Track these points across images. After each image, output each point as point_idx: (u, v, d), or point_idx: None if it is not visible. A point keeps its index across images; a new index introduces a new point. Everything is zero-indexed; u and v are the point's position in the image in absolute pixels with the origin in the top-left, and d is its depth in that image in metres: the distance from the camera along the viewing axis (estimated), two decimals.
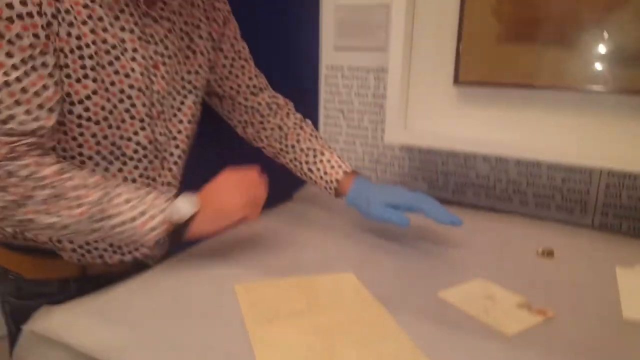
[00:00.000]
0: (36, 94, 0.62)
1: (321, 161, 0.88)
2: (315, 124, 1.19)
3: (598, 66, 0.87)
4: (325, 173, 0.87)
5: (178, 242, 0.69)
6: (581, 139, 0.92)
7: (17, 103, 0.61)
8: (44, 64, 0.62)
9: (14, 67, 0.60)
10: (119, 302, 0.62)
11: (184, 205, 0.66)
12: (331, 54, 1.15)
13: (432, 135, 1.03)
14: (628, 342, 0.55)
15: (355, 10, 1.09)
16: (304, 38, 1.17)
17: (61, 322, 0.57)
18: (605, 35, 0.85)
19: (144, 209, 0.65)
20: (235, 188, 0.70)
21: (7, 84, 0.59)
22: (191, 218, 0.66)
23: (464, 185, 1.08)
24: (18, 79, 0.60)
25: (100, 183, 0.65)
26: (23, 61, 0.60)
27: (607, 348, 0.53)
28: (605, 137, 0.90)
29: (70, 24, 0.64)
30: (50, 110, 0.63)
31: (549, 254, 0.76)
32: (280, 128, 0.92)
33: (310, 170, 0.89)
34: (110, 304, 0.61)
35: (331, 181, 0.87)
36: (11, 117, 0.60)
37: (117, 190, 0.65)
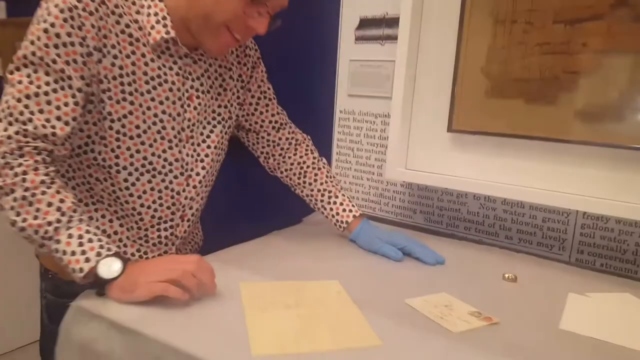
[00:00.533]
0: (57, 107, 0.74)
1: (335, 203, 1.04)
2: (329, 159, 1.34)
3: (571, 120, 1.00)
4: (337, 214, 1.04)
5: (101, 290, 0.72)
6: (559, 183, 1.03)
7: (40, 111, 0.73)
8: (71, 86, 0.75)
9: (47, 83, 0.74)
10: None
11: (107, 268, 0.70)
12: (345, 100, 1.31)
13: (429, 175, 1.16)
14: (555, 344, 0.66)
15: (365, 64, 1.26)
16: (323, 86, 1.35)
17: (100, 300, 0.72)
18: (578, 94, 0.99)
19: (83, 250, 0.70)
20: (157, 268, 0.73)
21: (36, 95, 0.73)
22: (111, 279, 0.70)
23: (457, 220, 1.20)
24: (46, 93, 0.74)
25: (68, 210, 0.72)
26: (55, 80, 0.74)
27: (536, 347, 0.64)
28: (580, 183, 1.01)
29: (115, 57, 0.79)
30: (66, 123, 0.75)
31: (512, 279, 0.87)
32: (299, 165, 1.07)
33: (324, 208, 1.05)
34: None
35: (342, 222, 1.04)
36: (30, 120, 0.73)
37: (78, 223, 0.72)
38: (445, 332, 0.66)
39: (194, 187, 0.93)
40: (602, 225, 1.03)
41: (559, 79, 1.00)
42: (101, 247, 0.72)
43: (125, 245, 0.90)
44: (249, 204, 1.50)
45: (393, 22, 1.18)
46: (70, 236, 0.71)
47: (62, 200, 0.73)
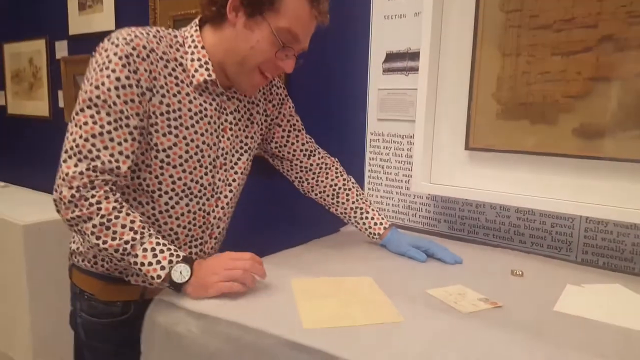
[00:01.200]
0: (119, 143, 0.86)
1: (367, 218, 1.22)
2: (362, 176, 1.53)
3: (570, 137, 1.15)
4: (370, 227, 1.21)
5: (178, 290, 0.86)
6: (563, 193, 1.18)
7: (105, 148, 0.85)
8: (128, 125, 0.87)
9: (109, 123, 0.85)
10: None
11: (178, 274, 0.85)
12: (375, 124, 1.50)
13: (450, 187, 1.33)
14: (546, 321, 0.81)
15: (392, 92, 1.44)
16: (356, 112, 1.54)
17: (176, 294, 0.88)
18: (574, 115, 1.14)
19: (157, 260, 0.84)
20: (220, 269, 0.86)
21: (101, 134, 0.84)
22: (184, 283, 0.85)
23: (476, 227, 1.36)
24: (109, 132, 0.85)
25: (139, 228, 0.85)
26: (115, 120, 0.85)
27: (530, 324, 0.80)
28: (581, 192, 1.16)
29: (163, 95, 0.91)
30: (127, 157, 0.87)
31: (519, 274, 1.03)
32: (331, 187, 1.23)
33: (357, 223, 1.23)
34: None
35: (374, 234, 1.21)
36: (97, 157, 0.84)
37: (149, 238, 0.86)
38: (456, 313, 0.83)
39: (222, 208, 1.07)
40: (603, 228, 1.17)
41: (559, 103, 1.16)
42: (171, 255, 0.86)
43: None
44: (293, 216, 1.71)
45: (415, 55, 1.37)
46: (145, 250, 0.85)
47: (132, 221, 0.86)
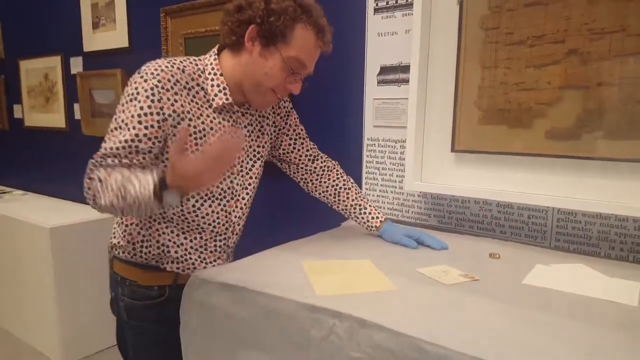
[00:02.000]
0: (124, 156, 1.01)
1: (364, 213, 1.38)
2: (360, 176, 1.69)
3: (543, 139, 1.32)
4: (368, 221, 1.37)
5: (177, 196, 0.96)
6: (537, 188, 1.34)
7: (125, 157, 1.00)
8: (138, 146, 1.01)
9: (123, 141, 1.00)
10: (242, 265, 1.12)
11: (158, 172, 0.95)
12: (371, 130, 1.67)
13: (439, 185, 1.49)
14: (514, 290, 0.97)
15: (386, 102, 1.61)
16: (354, 120, 1.70)
17: (213, 271, 1.07)
18: (546, 120, 1.31)
19: (145, 183, 0.94)
20: (191, 172, 0.92)
21: (124, 147, 1.00)
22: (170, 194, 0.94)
23: (463, 220, 1.52)
24: (130, 146, 1.00)
25: (124, 176, 0.96)
26: (129, 140, 1.01)
27: (500, 293, 0.95)
28: (553, 187, 1.32)
29: (190, 119, 1.07)
30: (144, 159, 1.02)
31: (496, 257, 1.19)
32: (333, 187, 1.39)
33: (357, 218, 1.39)
34: (238, 266, 1.12)
35: (371, 227, 1.37)
36: (104, 161, 1.00)
37: (131, 179, 0.95)
38: (440, 284, 0.99)
39: (241, 208, 1.23)
40: (572, 218, 1.33)
41: (532, 109, 1.33)
42: (148, 180, 0.94)
43: (189, 254, 1.17)
44: (301, 213, 1.87)
45: (406, 69, 1.53)
46: (132, 183, 0.95)
47: (120, 173, 0.97)
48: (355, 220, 1.40)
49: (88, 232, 2.42)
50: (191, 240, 1.18)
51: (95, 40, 2.60)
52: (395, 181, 1.63)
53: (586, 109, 1.25)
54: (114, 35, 2.49)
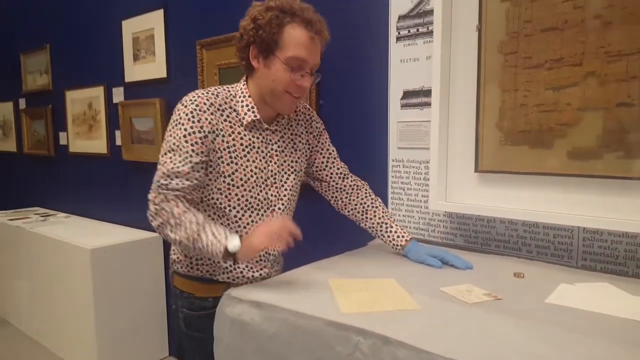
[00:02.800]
0: (184, 173, 1.15)
1: (391, 232, 1.43)
2: (386, 197, 1.74)
3: (564, 159, 1.34)
4: (394, 239, 1.42)
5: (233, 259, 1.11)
6: (562, 207, 1.36)
7: (176, 177, 1.15)
8: (191, 161, 1.16)
9: (180, 162, 1.15)
10: (272, 283, 1.19)
11: (232, 245, 1.09)
12: (396, 151, 1.72)
13: (464, 205, 1.52)
14: (537, 309, 0.99)
15: (409, 124, 1.67)
16: (379, 141, 1.76)
17: (245, 290, 1.14)
18: (567, 140, 1.33)
19: (217, 237, 1.10)
20: (260, 232, 1.11)
21: (172, 169, 1.14)
22: (236, 252, 1.09)
23: (489, 240, 1.54)
24: (178, 167, 1.15)
25: (202, 221, 1.12)
26: (182, 159, 1.15)
27: (522, 311, 0.98)
28: (577, 206, 1.33)
29: (223, 136, 1.20)
30: (190, 180, 1.16)
31: (521, 276, 1.22)
32: (362, 205, 1.46)
33: (383, 236, 1.44)
34: (268, 284, 1.18)
35: (397, 245, 1.42)
36: (169, 183, 1.15)
37: (207, 227, 1.12)
38: (463, 303, 1.03)
39: (277, 218, 1.31)
40: (598, 237, 1.34)
41: (553, 130, 1.35)
42: (225, 233, 1.11)
43: (238, 264, 1.28)
44: (330, 233, 1.92)
45: (428, 93, 1.58)
46: (206, 234, 1.11)
47: (196, 216, 1.14)
48: (381, 239, 1.44)
49: (127, 253, 2.55)
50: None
51: (135, 71, 2.76)
52: (421, 201, 1.67)
53: (606, 129, 1.27)
54: (153, 67, 2.64)
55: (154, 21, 2.59)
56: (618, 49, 1.23)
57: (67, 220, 3.22)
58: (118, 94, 2.90)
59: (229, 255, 1.11)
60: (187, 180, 1.17)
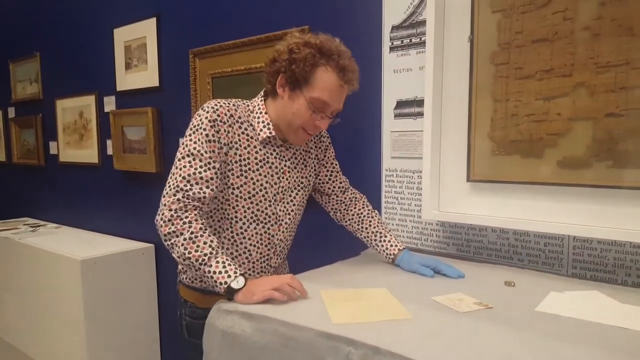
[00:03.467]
0: (206, 180, 1.16)
1: (384, 241, 1.44)
2: (379, 206, 1.74)
3: (555, 168, 1.35)
4: (387, 249, 1.43)
5: (231, 296, 1.09)
6: (553, 216, 1.37)
7: (196, 184, 1.16)
8: (214, 167, 1.18)
9: (201, 167, 1.17)
10: None
11: (237, 283, 1.09)
12: (389, 161, 1.73)
13: (456, 214, 1.53)
14: (527, 317, 1.00)
15: (402, 134, 1.67)
16: (372, 152, 1.77)
17: (231, 303, 1.13)
18: (558, 149, 1.35)
19: (226, 270, 1.10)
20: (266, 282, 1.10)
21: (194, 174, 1.15)
22: (238, 290, 1.08)
23: (481, 248, 1.55)
24: (200, 172, 1.16)
25: (215, 247, 1.12)
26: (205, 164, 1.17)
27: (512, 319, 0.98)
28: (567, 215, 1.34)
29: (237, 148, 1.23)
30: (211, 189, 1.17)
31: (511, 284, 1.22)
32: (358, 216, 1.49)
33: (377, 245, 1.45)
34: None
35: (390, 254, 1.42)
36: (190, 189, 1.15)
37: (220, 255, 1.11)
38: (454, 312, 1.03)
39: (283, 232, 1.36)
40: (588, 245, 1.35)
41: (544, 139, 1.37)
42: (235, 269, 1.11)
43: None
44: (322, 242, 1.92)
45: (421, 103, 1.60)
46: (217, 262, 1.11)
47: (212, 241, 1.14)
48: (375, 249, 1.45)
49: (118, 263, 2.52)
50: (241, 264, 1.31)
51: (127, 80, 2.75)
52: (414, 210, 1.68)
53: (595, 139, 1.29)
54: (145, 75, 2.64)
55: (146, 29, 2.59)
56: (607, 60, 1.24)
57: (57, 231, 3.19)
58: (109, 103, 2.88)
59: (229, 291, 1.10)
60: (208, 187, 1.18)
